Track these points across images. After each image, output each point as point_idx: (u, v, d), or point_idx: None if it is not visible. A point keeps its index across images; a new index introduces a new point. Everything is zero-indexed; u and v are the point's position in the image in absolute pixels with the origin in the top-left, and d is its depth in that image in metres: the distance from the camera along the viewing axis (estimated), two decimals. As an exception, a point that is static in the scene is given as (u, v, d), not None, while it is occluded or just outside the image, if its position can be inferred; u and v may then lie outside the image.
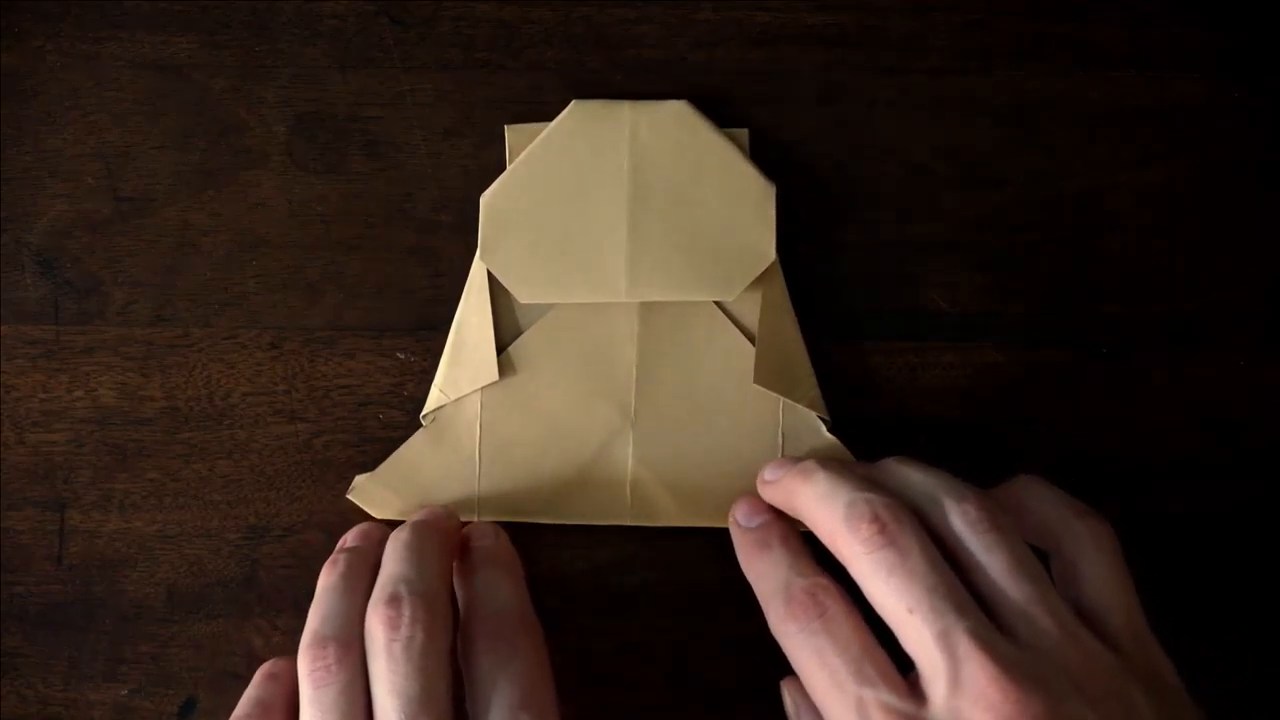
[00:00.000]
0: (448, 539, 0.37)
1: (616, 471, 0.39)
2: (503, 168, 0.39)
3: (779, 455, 0.39)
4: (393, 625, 0.32)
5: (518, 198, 0.39)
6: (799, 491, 0.35)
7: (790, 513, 0.36)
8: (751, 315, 0.39)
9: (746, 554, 0.37)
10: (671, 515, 0.38)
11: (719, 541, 0.39)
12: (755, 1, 0.40)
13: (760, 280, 0.39)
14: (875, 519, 0.33)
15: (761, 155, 0.40)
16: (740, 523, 0.37)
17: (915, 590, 0.32)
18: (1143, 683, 0.32)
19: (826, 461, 0.36)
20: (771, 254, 0.39)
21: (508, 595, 0.35)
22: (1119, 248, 0.40)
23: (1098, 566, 0.34)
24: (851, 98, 0.40)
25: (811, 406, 0.39)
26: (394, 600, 0.33)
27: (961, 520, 0.33)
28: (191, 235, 0.40)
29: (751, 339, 0.39)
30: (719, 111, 0.40)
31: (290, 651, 0.40)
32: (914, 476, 0.35)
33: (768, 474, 0.38)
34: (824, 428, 0.39)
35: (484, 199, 0.39)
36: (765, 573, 0.36)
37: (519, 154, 0.39)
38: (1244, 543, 0.40)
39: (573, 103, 0.39)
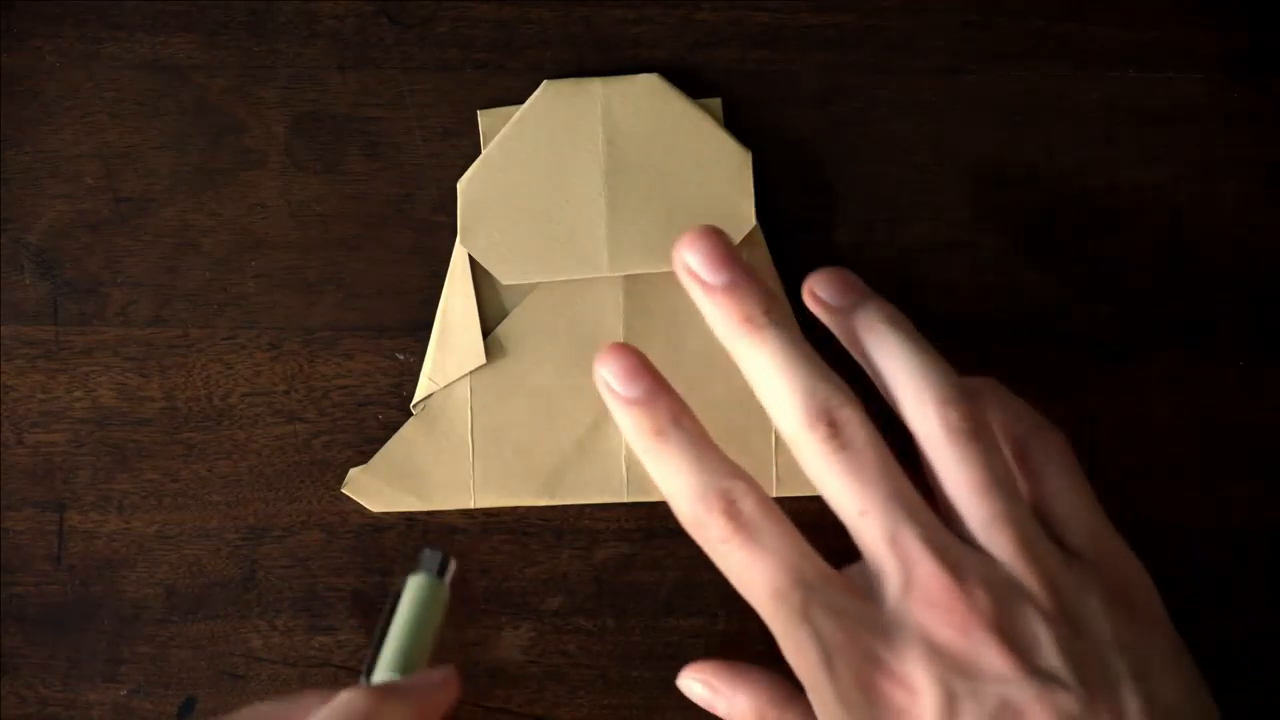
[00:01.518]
0: None
1: (611, 447, 0.39)
2: (501, 167, 0.40)
3: (770, 423, 0.36)
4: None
5: (495, 181, 0.39)
6: (745, 342, 0.34)
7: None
8: None
9: (637, 440, 0.35)
10: None
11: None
12: (755, 1, 0.40)
13: (741, 246, 0.39)
14: (830, 422, 0.33)
15: (760, 155, 0.40)
16: (616, 389, 0.35)
17: (868, 494, 0.32)
18: (1103, 593, 0.32)
19: (777, 312, 0.34)
20: (752, 219, 0.39)
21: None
22: (1119, 248, 0.40)
23: (1063, 480, 0.35)
24: (851, 98, 0.40)
25: None
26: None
27: (942, 427, 0.33)
28: (191, 235, 0.40)
29: None
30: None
31: (289, 651, 0.40)
32: (903, 362, 0.34)
33: (709, 275, 0.34)
34: None
35: (461, 184, 0.39)
36: (665, 471, 0.34)
37: (493, 138, 0.39)
38: (1244, 543, 0.40)
39: (544, 83, 0.39)
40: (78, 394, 0.40)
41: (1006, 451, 0.35)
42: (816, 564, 0.33)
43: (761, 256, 0.39)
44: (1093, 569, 0.33)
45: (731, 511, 0.33)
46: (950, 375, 0.34)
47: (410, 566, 0.35)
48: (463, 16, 0.40)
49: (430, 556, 0.34)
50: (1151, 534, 0.37)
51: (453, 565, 0.35)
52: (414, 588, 0.34)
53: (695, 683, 0.37)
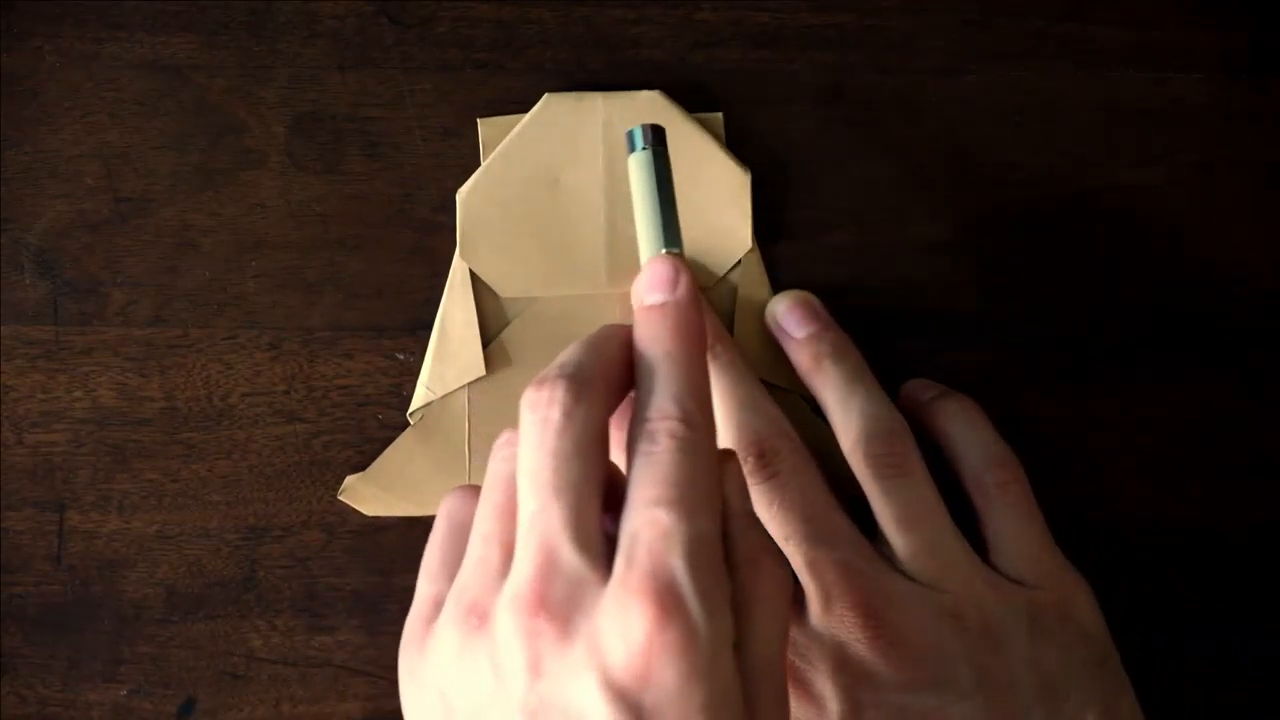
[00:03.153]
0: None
1: None
2: (499, 167, 0.39)
3: None
4: (532, 406, 0.30)
5: (495, 193, 0.39)
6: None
7: None
8: (733, 301, 0.39)
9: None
10: None
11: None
12: (755, 1, 0.40)
13: (738, 267, 0.39)
14: (761, 454, 0.35)
15: (760, 155, 0.40)
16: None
17: (791, 521, 0.35)
18: (1028, 614, 0.34)
19: (720, 347, 0.37)
20: (749, 242, 0.39)
21: (663, 385, 0.30)
22: (1119, 248, 0.40)
23: (1011, 510, 0.36)
24: (851, 98, 0.40)
25: (793, 388, 0.39)
26: (541, 382, 0.30)
27: (867, 463, 0.36)
28: (191, 235, 0.40)
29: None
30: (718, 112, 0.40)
31: (289, 652, 0.40)
32: (840, 397, 0.37)
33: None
34: (808, 409, 0.39)
35: (460, 195, 0.39)
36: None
37: (494, 147, 0.39)
38: (1243, 542, 0.40)
39: (545, 96, 0.39)
40: (78, 394, 0.40)
41: (973, 472, 0.37)
42: None
43: (756, 275, 0.39)
44: (1023, 592, 0.35)
45: None
46: (881, 410, 0.36)
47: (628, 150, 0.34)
48: (463, 16, 0.40)
49: (640, 133, 0.34)
50: (1151, 533, 0.37)
51: (664, 131, 0.34)
52: (639, 165, 0.33)
53: None
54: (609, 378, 0.31)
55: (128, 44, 0.40)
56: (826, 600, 0.34)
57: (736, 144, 0.40)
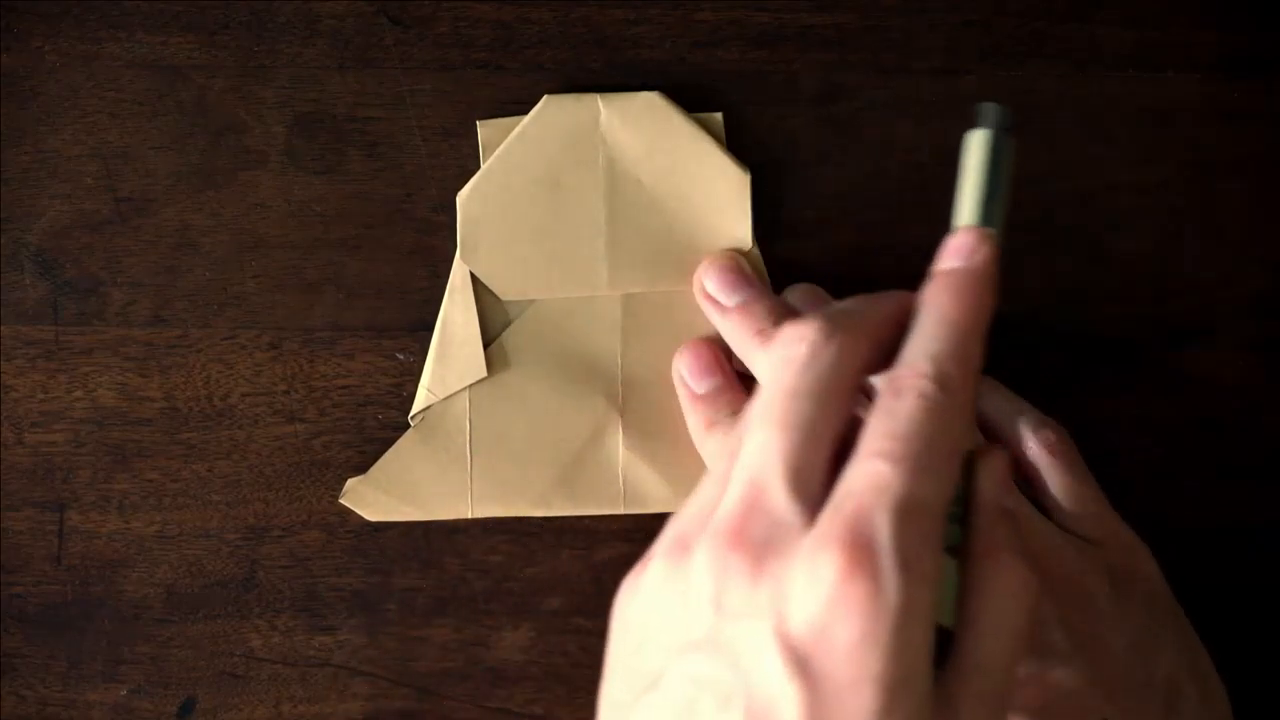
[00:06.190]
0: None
1: (608, 460, 0.39)
2: (500, 168, 0.40)
3: None
4: (782, 343, 0.28)
5: (495, 196, 0.39)
6: (758, 354, 0.36)
7: (739, 353, 0.37)
8: None
9: (695, 430, 0.38)
10: (664, 501, 0.39)
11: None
12: (755, 1, 0.40)
13: None
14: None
15: (760, 155, 0.40)
16: (688, 382, 0.38)
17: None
18: (1106, 572, 0.34)
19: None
20: (749, 241, 0.39)
21: (925, 342, 0.28)
22: (1119, 248, 0.40)
23: (1063, 469, 0.36)
24: (851, 98, 0.40)
25: None
26: (798, 321, 0.29)
27: None
28: (191, 235, 0.40)
29: None
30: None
31: (289, 652, 0.40)
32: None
33: (723, 298, 0.38)
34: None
35: (460, 198, 0.39)
36: (714, 453, 0.37)
37: (493, 149, 0.39)
38: (1245, 543, 0.40)
39: (545, 97, 0.39)
40: (78, 394, 0.40)
41: (1018, 440, 0.36)
42: None
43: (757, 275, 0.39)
44: (1095, 549, 0.34)
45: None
46: None
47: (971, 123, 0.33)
48: (463, 16, 0.40)
49: (990, 111, 0.32)
50: (1152, 533, 0.37)
51: (1014, 118, 0.32)
52: (980, 143, 0.31)
53: None
54: (875, 332, 0.29)
55: (128, 44, 0.40)
56: None
57: (736, 144, 0.40)
